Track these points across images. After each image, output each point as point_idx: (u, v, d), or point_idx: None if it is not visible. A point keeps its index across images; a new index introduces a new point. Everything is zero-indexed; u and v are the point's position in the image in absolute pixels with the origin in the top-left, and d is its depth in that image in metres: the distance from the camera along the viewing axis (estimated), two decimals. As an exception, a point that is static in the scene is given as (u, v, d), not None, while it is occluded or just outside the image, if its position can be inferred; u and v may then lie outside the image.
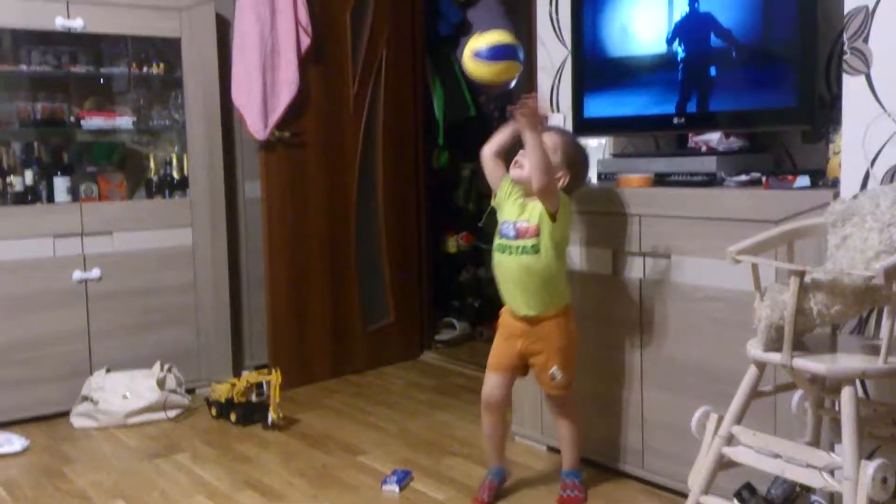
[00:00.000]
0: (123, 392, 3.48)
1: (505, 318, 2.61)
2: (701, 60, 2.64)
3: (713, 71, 2.61)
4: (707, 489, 1.94)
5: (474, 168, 5.13)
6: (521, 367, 2.60)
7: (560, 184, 2.49)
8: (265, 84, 3.80)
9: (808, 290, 1.82)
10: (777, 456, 1.83)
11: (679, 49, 2.68)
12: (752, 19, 2.52)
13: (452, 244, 5.03)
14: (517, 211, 2.52)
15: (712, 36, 2.59)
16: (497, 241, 2.55)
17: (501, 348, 2.61)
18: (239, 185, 4.14)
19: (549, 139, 2.47)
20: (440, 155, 4.93)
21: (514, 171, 2.53)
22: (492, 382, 2.61)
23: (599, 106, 2.92)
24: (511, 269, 2.50)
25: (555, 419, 2.65)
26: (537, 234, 2.45)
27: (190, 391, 3.74)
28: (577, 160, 2.55)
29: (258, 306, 4.10)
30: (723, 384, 2.33)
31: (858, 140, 2.10)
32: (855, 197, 1.97)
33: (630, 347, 2.67)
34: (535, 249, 2.46)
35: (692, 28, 2.64)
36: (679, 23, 2.67)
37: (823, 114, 2.50)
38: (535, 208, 2.47)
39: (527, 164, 2.44)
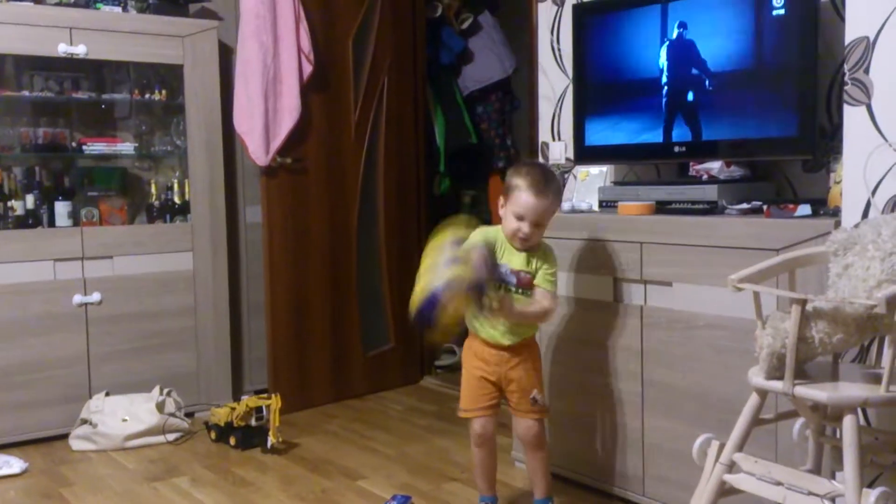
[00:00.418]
0: (122, 415, 3.47)
1: (476, 351, 2.59)
2: (701, 89, 2.67)
3: (714, 100, 2.65)
4: (709, 517, 1.94)
5: (475, 195, 5.16)
6: (499, 399, 2.59)
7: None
8: (267, 111, 3.83)
9: (809, 319, 1.83)
10: (779, 483, 1.83)
11: (680, 78, 2.72)
12: (753, 49, 2.56)
13: (452, 270, 5.03)
14: (522, 262, 2.52)
15: (712, 65, 2.62)
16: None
17: (476, 389, 2.58)
18: (240, 210, 4.16)
19: (547, 205, 2.46)
20: (441, 182, 4.95)
21: (522, 246, 2.51)
22: (480, 426, 2.59)
23: (600, 133, 2.96)
24: None
25: (531, 451, 2.60)
26: (531, 284, 2.50)
27: (189, 415, 3.73)
28: (561, 194, 2.61)
29: (258, 331, 4.10)
30: (723, 412, 2.34)
31: (860, 170, 2.12)
32: (856, 226, 1.98)
33: (631, 374, 2.68)
34: (528, 295, 2.51)
35: (691, 57, 2.68)
36: (678, 52, 2.71)
37: (824, 143, 2.53)
38: (538, 265, 2.51)
39: (533, 238, 2.48)
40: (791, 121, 2.45)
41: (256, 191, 4.02)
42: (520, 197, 2.46)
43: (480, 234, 2.51)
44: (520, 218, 2.48)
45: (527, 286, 2.49)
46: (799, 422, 2.08)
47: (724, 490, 1.93)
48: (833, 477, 1.95)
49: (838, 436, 1.90)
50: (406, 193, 4.48)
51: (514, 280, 2.51)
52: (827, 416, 1.96)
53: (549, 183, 2.52)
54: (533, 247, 2.52)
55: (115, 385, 3.64)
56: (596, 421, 2.78)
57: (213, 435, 3.53)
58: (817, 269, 2.10)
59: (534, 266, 2.50)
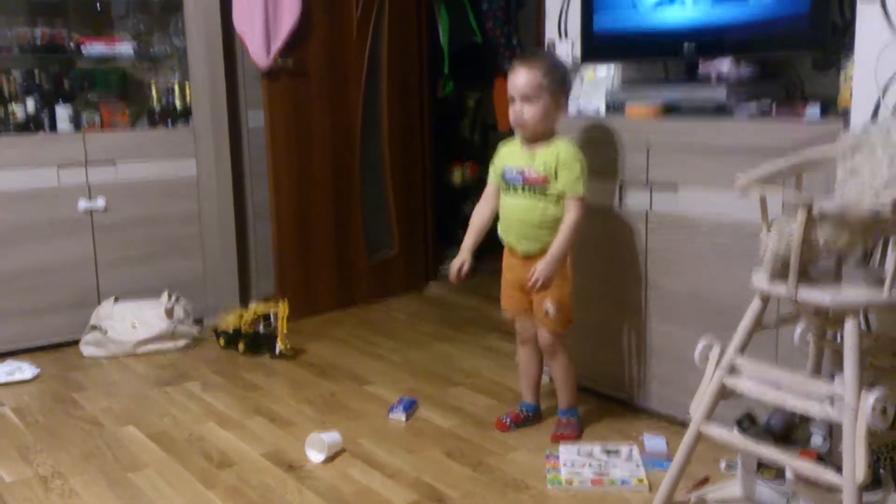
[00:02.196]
0: (132, 321, 3.52)
1: (506, 256, 2.62)
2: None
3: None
4: (708, 418, 1.96)
5: (480, 97, 5.07)
6: (530, 303, 2.60)
7: (561, 112, 2.50)
8: (267, 9, 3.73)
9: (815, 222, 1.81)
10: (778, 386, 1.84)
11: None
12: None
13: (457, 175, 5.00)
14: (525, 159, 2.49)
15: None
16: (503, 184, 2.55)
17: (506, 291, 2.63)
18: (242, 114, 4.10)
19: (530, 75, 2.42)
20: (445, 84, 4.86)
21: (520, 131, 2.49)
22: (519, 324, 2.66)
23: (608, 23, 2.86)
24: (518, 205, 2.50)
25: (547, 358, 2.65)
26: (546, 182, 2.45)
27: (197, 321, 3.77)
28: (563, 76, 2.51)
29: (264, 237, 4.11)
30: (726, 316, 2.34)
31: (870, 69, 2.06)
32: (865, 128, 1.94)
33: (634, 279, 2.68)
34: (544, 192, 2.46)
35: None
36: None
37: (836, 40, 2.45)
38: (546, 158, 2.45)
39: (528, 119, 2.43)
40: (803, 15, 2.37)
41: (258, 94, 3.95)
42: (508, 79, 2.44)
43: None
44: (511, 101, 2.45)
45: (534, 183, 2.46)
46: (800, 326, 2.09)
47: (725, 393, 1.95)
48: (832, 380, 1.96)
49: (839, 339, 1.91)
50: (410, 96, 4.41)
51: (519, 179, 2.48)
52: (829, 320, 1.96)
53: (536, 56, 2.48)
54: (537, 136, 2.47)
55: (123, 291, 3.67)
56: (598, 326, 2.80)
57: (221, 341, 3.58)
58: (824, 172, 2.07)
59: (541, 163, 2.45)
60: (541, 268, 2.42)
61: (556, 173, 2.43)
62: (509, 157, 2.54)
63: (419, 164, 4.50)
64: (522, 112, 2.44)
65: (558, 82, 2.46)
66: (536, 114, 2.43)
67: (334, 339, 3.70)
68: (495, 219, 2.62)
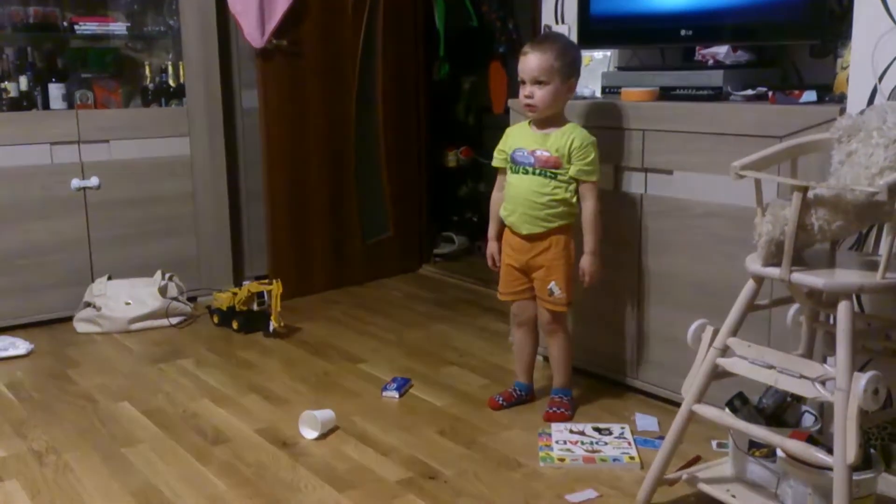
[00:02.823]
0: (125, 299, 3.52)
1: (507, 238, 2.63)
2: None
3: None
4: (700, 398, 1.98)
5: (475, 81, 5.07)
6: (530, 285, 2.62)
7: (570, 93, 2.52)
8: (262, -10, 3.72)
9: (810, 206, 1.83)
10: (771, 367, 1.86)
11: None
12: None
13: (452, 158, 5.00)
14: (536, 140, 2.50)
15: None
16: (512, 166, 2.56)
17: (506, 275, 2.65)
18: (236, 94, 4.09)
19: (542, 59, 2.43)
20: (441, 67, 4.85)
21: (530, 114, 2.50)
22: (516, 307, 2.68)
23: (605, 8, 2.87)
24: (524, 187, 2.51)
25: (547, 337, 2.68)
26: (559, 165, 2.47)
27: (191, 300, 3.78)
28: (574, 57, 2.52)
29: (257, 217, 4.11)
30: (719, 299, 2.37)
31: (867, 55, 2.07)
32: (862, 112, 1.96)
33: (629, 262, 2.70)
34: (555, 175, 2.47)
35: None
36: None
37: (833, 28, 2.46)
38: (558, 143, 2.47)
39: (539, 102, 2.45)
40: (800, 3, 2.38)
41: (252, 74, 3.94)
42: (519, 62, 2.45)
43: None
44: (522, 83, 2.46)
45: (546, 165, 2.47)
46: (793, 308, 2.11)
47: (717, 373, 1.97)
48: (824, 362, 1.99)
49: (832, 322, 1.93)
50: (405, 78, 4.40)
51: (531, 160, 2.49)
52: (822, 303, 1.99)
53: (548, 39, 2.50)
54: (547, 118, 2.49)
55: (117, 269, 3.67)
56: (592, 308, 2.81)
57: (215, 319, 3.59)
58: (819, 157, 2.08)
59: (553, 145, 2.47)
60: (588, 267, 2.50)
61: (569, 158, 2.45)
62: (520, 139, 2.55)
63: (414, 146, 4.50)
64: (533, 95, 2.45)
65: (569, 65, 2.47)
66: (547, 97, 2.45)
67: (328, 319, 3.72)
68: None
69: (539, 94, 2.44)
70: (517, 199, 2.53)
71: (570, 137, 2.46)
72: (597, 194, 2.50)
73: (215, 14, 3.81)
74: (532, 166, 2.49)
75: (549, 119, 2.50)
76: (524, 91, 2.47)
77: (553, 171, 2.47)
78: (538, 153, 2.48)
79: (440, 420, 2.63)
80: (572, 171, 2.46)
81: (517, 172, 2.53)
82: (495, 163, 2.63)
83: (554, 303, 2.56)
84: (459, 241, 4.89)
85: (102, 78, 3.77)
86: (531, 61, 2.44)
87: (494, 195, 2.67)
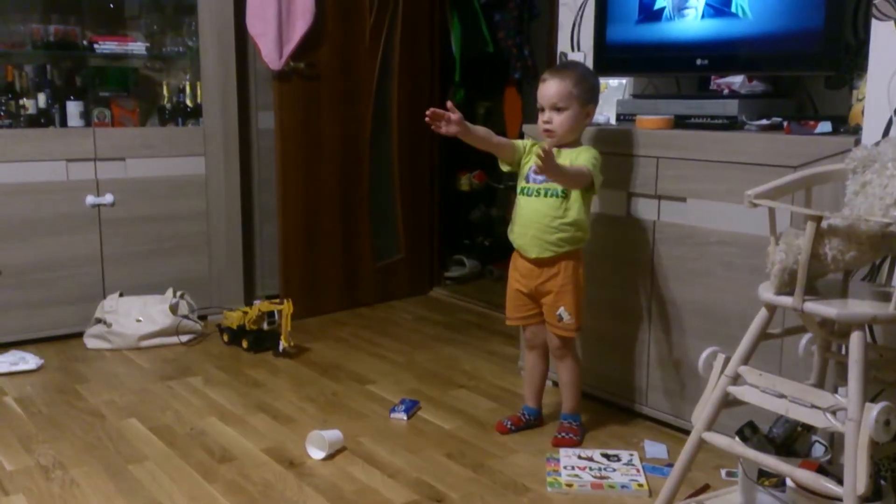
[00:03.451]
0: (136, 316, 3.53)
1: (515, 263, 2.62)
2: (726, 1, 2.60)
3: (739, 11, 2.57)
4: (710, 426, 1.97)
5: (490, 106, 5.10)
6: (538, 309, 2.61)
7: (588, 120, 2.53)
8: (280, 12, 3.76)
9: (823, 236, 1.83)
10: (782, 396, 1.85)
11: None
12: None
13: (465, 182, 5.02)
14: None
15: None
16: (521, 185, 2.56)
17: (513, 300, 2.64)
18: (252, 115, 4.13)
19: (561, 85, 2.46)
20: (456, 92, 4.89)
21: (549, 141, 2.50)
22: (529, 331, 2.68)
23: (621, 36, 2.88)
24: (535, 210, 2.51)
25: (556, 362, 2.67)
26: None
27: (202, 318, 3.79)
28: (592, 85, 2.53)
29: (269, 238, 4.12)
30: (730, 327, 2.36)
31: (883, 87, 2.08)
32: (877, 144, 1.96)
33: (640, 288, 2.69)
34: (565, 193, 2.47)
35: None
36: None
37: (848, 60, 2.47)
38: (570, 156, 2.48)
39: (557, 128, 2.46)
40: (816, 35, 2.39)
41: (269, 96, 3.98)
42: (539, 89, 2.47)
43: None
44: (541, 110, 2.48)
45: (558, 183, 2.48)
46: (805, 337, 2.10)
47: (728, 401, 1.96)
48: (836, 393, 1.97)
49: (844, 352, 1.92)
50: (420, 103, 4.41)
51: (541, 178, 2.50)
52: (834, 333, 1.98)
53: (567, 67, 2.53)
54: (566, 143, 2.50)
55: (129, 286, 3.68)
56: (603, 333, 2.81)
57: (225, 337, 3.59)
58: (833, 187, 2.08)
59: (565, 158, 2.48)
60: (550, 157, 2.31)
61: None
62: (534, 155, 2.54)
63: (427, 170, 4.52)
64: (552, 120, 2.46)
65: (588, 91, 2.49)
66: (565, 122, 2.47)
67: (338, 339, 3.72)
68: (505, 224, 2.63)
69: (557, 120, 2.46)
70: (527, 222, 2.53)
71: (578, 152, 2.49)
72: (589, 177, 2.44)
73: (234, 36, 3.85)
74: (542, 183, 2.49)
75: (565, 145, 2.52)
76: (543, 117, 2.49)
77: (562, 190, 2.47)
78: None
79: (448, 443, 2.62)
80: (579, 161, 2.46)
81: (528, 195, 2.53)
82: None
83: (563, 328, 2.56)
84: (470, 265, 4.89)
85: (120, 96, 3.81)
86: (550, 88, 2.46)
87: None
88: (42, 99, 3.59)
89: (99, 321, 3.56)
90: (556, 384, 2.85)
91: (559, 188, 2.47)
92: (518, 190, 2.58)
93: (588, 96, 2.49)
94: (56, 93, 3.63)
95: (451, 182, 4.97)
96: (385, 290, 4.37)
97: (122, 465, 2.44)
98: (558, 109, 2.46)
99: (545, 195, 2.49)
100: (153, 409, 2.88)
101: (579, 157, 2.48)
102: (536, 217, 2.50)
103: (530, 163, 2.53)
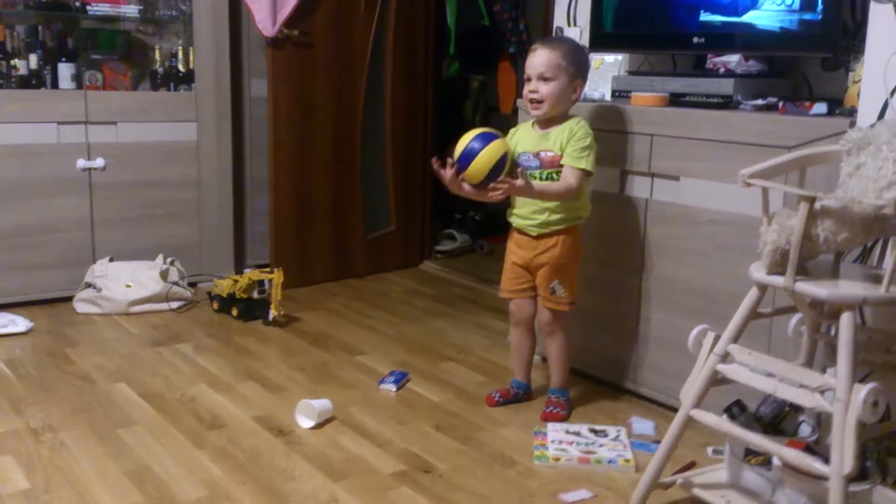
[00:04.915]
0: (126, 281, 3.52)
1: (512, 237, 2.63)
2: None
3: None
4: (698, 403, 1.99)
5: (483, 80, 5.08)
6: (532, 283, 2.62)
7: (576, 94, 2.49)
8: (275, -21, 3.72)
9: (816, 217, 1.83)
10: (771, 375, 1.87)
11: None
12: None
13: (457, 155, 5.00)
14: (539, 142, 2.50)
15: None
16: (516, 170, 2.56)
17: (509, 272, 2.64)
18: (245, 82, 4.09)
19: (550, 56, 2.44)
20: (450, 65, 4.86)
21: (535, 112, 2.49)
22: (515, 305, 2.67)
23: (618, 18, 2.87)
24: None
25: (546, 336, 2.67)
26: (559, 163, 2.46)
27: (192, 285, 3.78)
28: (583, 60, 2.52)
29: (260, 206, 4.11)
30: (721, 306, 2.37)
31: (879, 70, 2.08)
32: (872, 126, 1.96)
33: (632, 266, 2.70)
34: (557, 176, 2.47)
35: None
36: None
37: (846, 42, 2.47)
38: (560, 137, 2.46)
39: (545, 97, 2.44)
40: (814, 17, 2.39)
41: (262, 63, 3.94)
42: (527, 59, 2.47)
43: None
44: (527, 80, 2.47)
45: (551, 166, 2.47)
46: (795, 318, 2.12)
47: (717, 380, 1.98)
48: (824, 373, 1.99)
49: (833, 333, 1.94)
50: (414, 74, 4.40)
51: (536, 163, 2.49)
52: (824, 314, 1.99)
53: (557, 39, 2.52)
54: (550, 118, 2.49)
55: (119, 251, 3.67)
56: (593, 310, 2.82)
57: (215, 305, 3.59)
58: (827, 169, 2.09)
59: (555, 142, 2.46)
60: (511, 183, 2.37)
61: (566, 147, 2.45)
62: (523, 141, 2.54)
63: (420, 142, 4.50)
64: (538, 90, 2.45)
65: (577, 66, 2.47)
66: (551, 93, 2.44)
67: (328, 310, 3.72)
68: (505, 205, 2.62)
69: (544, 90, 2.44)
70: (523, 204, 2.53)
71: (569, 128, 2.47)
72: (580, 183, 2.44)
73: (227, 1, 3.81)
74: (538, 169, 2.49)
75: (552, 120, 2.50)
76: (529, 87, 2.47)
77: (559, 171, 2.47)
78: (542, 154, 2.48)
79: (436, 415, 2.63)
80: (564, 158, 2.45)
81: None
82: None
83: (556, 302, 2.56)
84: (461, 239, 4.90)
85: (112, 60, 3.77)
86: (538, 57, 2.45)
87: None
88: (33, 60, 3.54)
89: (89, 285, 3.54)
90: (544, 359, 2.87)
91: (553, 171, 2.46)
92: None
93: (576, 70, 2.47)
94: (48, 54, 3.59)
95: (444, 155, 4.94)
96: (376, 263, 4.37)
97: (111, 429, 2.45)
98: (545, 80, 2.44)
99: (540, 178, 2.49)
100: (143, 374, 2.88)
101: (567, 137, 2.44)
102: (532, 200, 2.50)
103: (520, 147, 2.53)
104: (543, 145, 2.49)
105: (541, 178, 2.49)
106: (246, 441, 2.41)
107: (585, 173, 2.45)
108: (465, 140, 2.45)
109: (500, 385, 2.81)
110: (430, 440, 2.46)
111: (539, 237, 2.54)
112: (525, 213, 2.53)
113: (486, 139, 2.42)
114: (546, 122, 2.51)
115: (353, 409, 2.64)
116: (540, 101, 2.46)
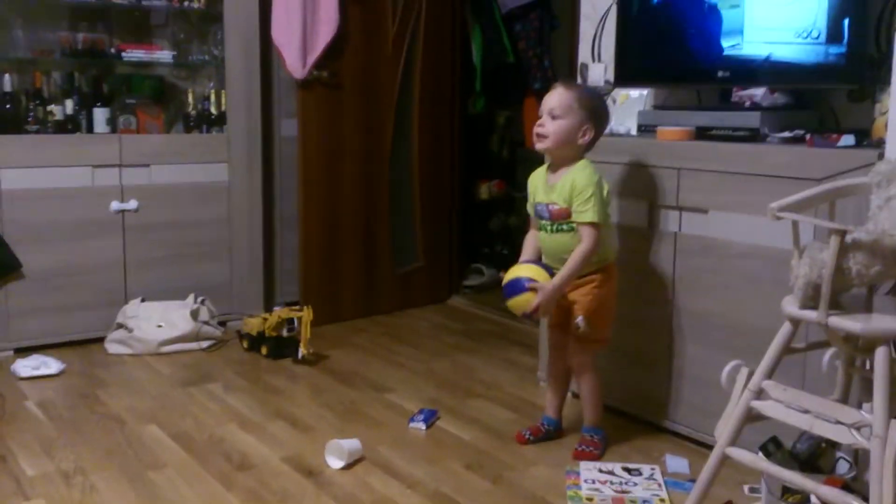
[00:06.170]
0: (157, 321, 3.55)
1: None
2: (748, 13, 2.59)
3: (761, 23, 2.56)
4: (733, 441, 1.96)
5: (510, 115, 5.10)
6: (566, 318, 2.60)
7: (584, 139, 2.47)
8: (305, 22, 3.79)
9: (848, 250, 1.81)
10: (806, 411, 1.84)
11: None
12: (807, -28, 2.46)
13: (484, 191, 5.02)
14: (548, 193, 2.52)
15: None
16: (538, 221, 2.58)
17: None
18: (275, 122, 4.15)
19: (564, 95, 2.45)
20: (476, 101, 4.89)
21: (539, 145, 2.50)
22: (552, 338, 2.69)
23: (642, 54, 2.88)
24: (552, 243, 2.52)
25: (575, 375, 2.66)
26: (569, 214, 2.46)
27: (222, 324, 3.81)
28: (597, 108, 2.50)
29: (290, 245, 4.14)
30: (753, 340, 2.34)
31: (908, 100, 2.06)
32: (902, 157, 1.94)
33: (663, 301, 2.68)
34: (571, 228, 2.47)
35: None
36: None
37: (871, 73, 2.45)
38: (563, 189, 2.46)
39: (549, 133, 2.44)
40: (839, 48, 2.38)
41: (292, 104, 4.00)
42: (543, 99, 2.48)
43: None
44: (539, 115, 2.48)
45: (559, 218, 2.48)
46: (829, 352, 2.08)
47: (751, 416, 1.95)
48: (860, 408, 1.95)
49: (868, 367, 1.90)
50: (441, 111, 4.44)
51: (546, 215, 2.51)
52: (858, 348, 1.96)
53: (574, 83, 2.53)
54: (557, 159, 2.49)
55: (151, 292, 3.71)
56: (625, 346, 2.79)
57: (245, 344, 3.61)
58: (856, 201, 2.07)
59: (559, 195, 2.46)
60: (540, 296, 2.41)
61: (572, 202, 2.44)
62: (537, 191, 2.56)
63: (447, 178, 4.53)
64: (544, 125, 2.45)
65: (589, 110, 2.45)
66: (556, 130, 2.43)
67: (356, 347, 3.72)
68: (523, 233, 2.63)
69: (550, 126, 2.44)
70: (550, 252, 2.55)
71: (572, 178, 2.44)
72: (595, 237, 2.42)
73: (259, 45, 3.88)
74: (549, 221, 2.50)
75: (560, 161, 2.50)
76: (538, 121, 2.48)
77: (569, 222, 2.47)
78: (551, 207, 2.49)
79: (466, 453, 2.61)
80: (573, 215, 2.45)
81: (544, 230, 2.54)
82: (528, 208, 2.64)
83: (579, 338, 2.54)
84: (489, 273, 4.89)
85: (146, 103, 3.85)
86: (553, 95, 2.46)
87: (530, 233, 2.64)
88: (69, 105, 3.63)
89: (120, 326, 3.58)
90: (576, 396, 2.84)
91: (572, 224, 2.46)
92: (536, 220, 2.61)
93: (587, 114, 2.45)
94: (83, 99, 3.67)
95: (470, 190, 4.97)
96: (404, 298, 4.37)
97: (141, 472, 2.46)
98: (554, 117, 2.44)
99: (556, 231, 2.50)
100: (173, 415, 2.90)
101: (570, 190, 2.43)
102: (556, 249, 2.51)
103: (535, 198, 2.56)
104: (551, 197, 2.49)
105: (552, 230, 2.50)
106: (275, 483, 2.40)
107: (594, 226, 2.43)
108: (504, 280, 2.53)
109: (530, 422, 2.78)
110: (461, 480, 2.43)
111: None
112: (552, 263, 2.53)
113: (511, 291, 2.47)
114: (555, 167, 2.52)
115: (383, 448, 2.63)
116: (544, 136, 2.46)
